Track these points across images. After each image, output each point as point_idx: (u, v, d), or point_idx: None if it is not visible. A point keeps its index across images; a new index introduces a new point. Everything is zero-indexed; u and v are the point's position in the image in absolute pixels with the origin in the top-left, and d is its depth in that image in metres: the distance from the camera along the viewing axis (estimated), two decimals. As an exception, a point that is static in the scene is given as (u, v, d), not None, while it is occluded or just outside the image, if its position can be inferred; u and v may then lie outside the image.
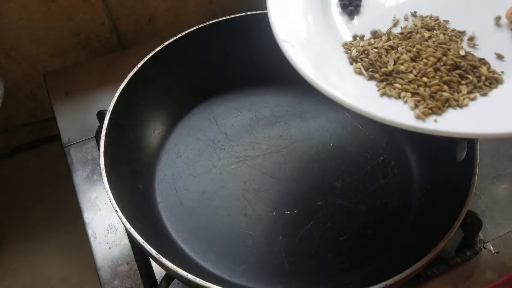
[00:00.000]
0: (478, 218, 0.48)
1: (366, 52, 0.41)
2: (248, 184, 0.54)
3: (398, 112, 0.37)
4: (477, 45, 0.42)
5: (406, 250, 0.48)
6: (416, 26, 0.43)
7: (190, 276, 0.39)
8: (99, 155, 0.47)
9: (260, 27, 0.59)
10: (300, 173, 0.56)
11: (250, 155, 0.57)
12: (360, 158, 0.57)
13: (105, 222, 0.53)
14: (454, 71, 0.39)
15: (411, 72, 0.39)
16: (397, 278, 0.39)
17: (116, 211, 0.43)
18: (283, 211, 0.52)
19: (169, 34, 0.56)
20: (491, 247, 0.51)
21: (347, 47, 0.43)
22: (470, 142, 0.47)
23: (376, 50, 0.41)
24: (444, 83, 0.38)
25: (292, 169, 0.56)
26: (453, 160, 0.49)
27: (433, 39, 0.42)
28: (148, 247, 0.41)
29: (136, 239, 0.42)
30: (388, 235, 0.50)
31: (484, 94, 0.38)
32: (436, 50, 0.40)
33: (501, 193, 0.56)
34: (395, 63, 0.40)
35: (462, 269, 0.50)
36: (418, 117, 0.36)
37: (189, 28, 0.57)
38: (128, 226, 0.42)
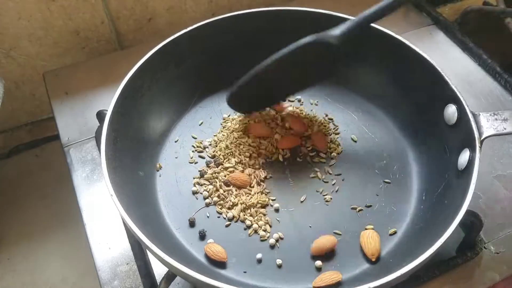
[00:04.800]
0: (478, 218, 0.48)
1: None
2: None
3: None
4: None
5: (403, 253, 0.47)
6: None
7: (177, 264, 0.40)
8: (99, 155, 0.47)
9: (265, 25, 0.60)
10: (302, 170, 0.56)
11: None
12: (363, 160, 0.56)
13: (104, 222, 0.53)
14: None
15: None
16: (389, 278, 0.39)
17: (111, 195, 0.43)
18: (280, 208, 0.52)
19: (169, 34, 0.56)
20: (492, 248, 0.51)
21: None
22: (472, 152, 0.46)
23: None
24: None
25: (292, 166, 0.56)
26: (455, 169, 0.49)
27: None
28: (137, 231, 0.41)
29: (128, 224, 0.42)
30: (385, 237, 0.50)
31: None
32: None
33: (502, 193, 0.55)
34: None
35: (463, 270, 0.50)
36: None
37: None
38: (123, 212, 0.42)
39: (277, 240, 0.50)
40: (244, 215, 0.51)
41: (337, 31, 0.50)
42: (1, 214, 0.75)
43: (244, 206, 0.52)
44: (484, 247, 0.51)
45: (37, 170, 0.80)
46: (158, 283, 0.47)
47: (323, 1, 0.74)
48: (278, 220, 0.51)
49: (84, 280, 0.69)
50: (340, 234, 0.50)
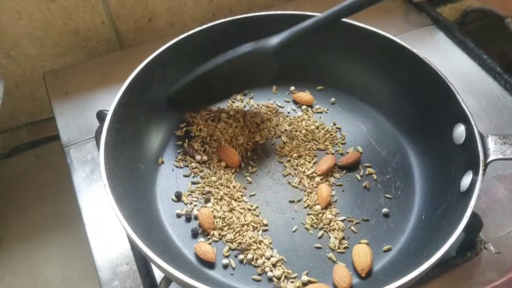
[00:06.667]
0: (478, 219, 0.48)
1: None
2: (249, 185, 0.55)
3: None
4: None
5: (396, 271, 0.46)
6: None
7: (158, 260, 0.40)
8: (99, 155, 0.47)
9: (270, 29, 0.59)
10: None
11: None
12: (366, 173, 0.55)
13: (104, 222, 0.53)
14: None
15: None
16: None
17: (105, 185, 0.44)
18: (276, 214, 0.52)
19: (169, 34, 0.56)
20: (492, 248, 0.51)
21: None
22: (474, 175, 0.45)
23: None
24: None
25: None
26: (457, 190, 0.48)
27: None
28: (123, 220, 0.42)
29: (116, 213, 0.42)
30: (379, 253, 0.49)
31: None
32: None
33: (502, 193, 0.55)
34: None
35: (463, 270, 0.49)
36: None
37: (188, 28, 0.57)
38: (112, 202, 0.43)
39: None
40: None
41: (275, 39, 0.51)
42: (1, 214, 0.75)
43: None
44: (484, 247, 0.51)
45: (37, 170, 0.80)
46: (158, 283, 0.47)
47: (322, 3, 0.74)
48: (274, 226, 0.51)
49: (84, 280, 0.69)
50: (335, 247, 0.49)
